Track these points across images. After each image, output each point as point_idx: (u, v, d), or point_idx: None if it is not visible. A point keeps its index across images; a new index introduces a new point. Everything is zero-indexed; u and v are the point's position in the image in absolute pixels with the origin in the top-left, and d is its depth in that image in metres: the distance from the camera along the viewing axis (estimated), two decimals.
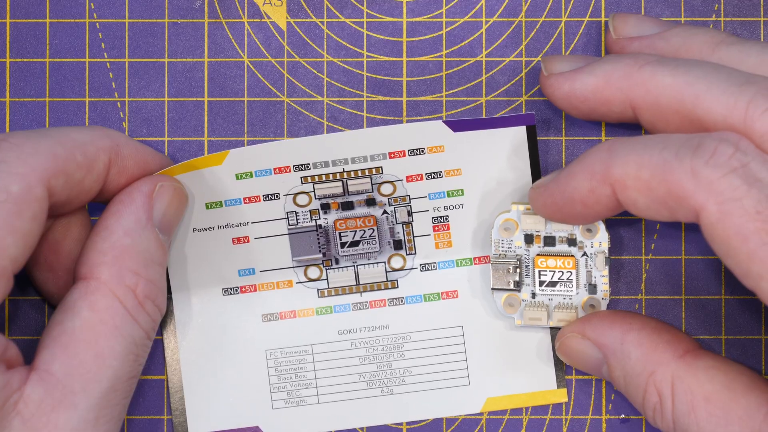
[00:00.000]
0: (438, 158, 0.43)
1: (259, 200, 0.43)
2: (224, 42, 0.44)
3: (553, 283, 0.42)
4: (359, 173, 0.43)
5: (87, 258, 0.40)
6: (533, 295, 0.42)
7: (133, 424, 0.44)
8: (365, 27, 0.44)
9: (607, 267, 0.42)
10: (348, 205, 0.43)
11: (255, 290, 0.43)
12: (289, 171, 0.43)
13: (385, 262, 0.43)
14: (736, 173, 0.35)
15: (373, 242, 0.43)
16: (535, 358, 0.43)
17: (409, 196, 0.43)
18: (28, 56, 0.44)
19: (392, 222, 0.43)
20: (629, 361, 0.39)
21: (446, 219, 0.43)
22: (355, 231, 0.43)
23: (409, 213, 0.43)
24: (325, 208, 0.43)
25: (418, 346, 0.43)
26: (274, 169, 0.43)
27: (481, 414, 0.43)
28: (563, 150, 0.44)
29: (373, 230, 0.43)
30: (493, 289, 0.42)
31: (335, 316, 0.43)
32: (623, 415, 0.43)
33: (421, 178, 0.43)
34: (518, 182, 0.43)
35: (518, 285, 0.42)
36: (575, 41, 0.44)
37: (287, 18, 0.44)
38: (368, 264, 0.43)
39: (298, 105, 0.44)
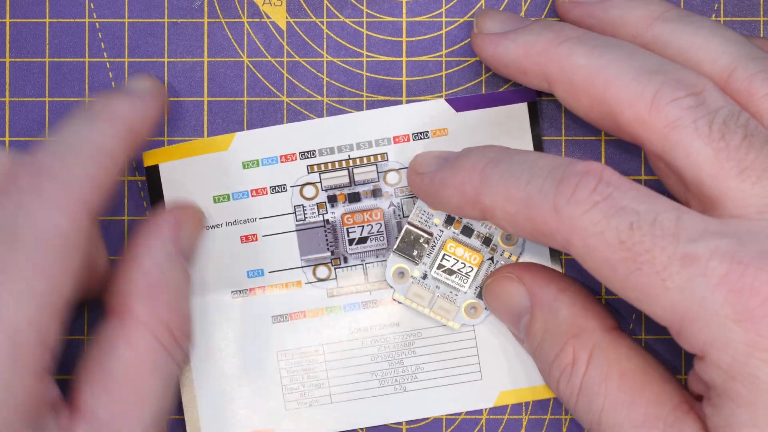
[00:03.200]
0: (442, 142, 0.43)
1: (267, 192, 0.43)
2: (224, 42, 0.44)
3: (450, 272, 0.42)
4: (365, 160, 0.43)
5: (120, 292, 0.39)
6: (424, 276, 0.42)
7: None
8: (365, 27, 0.44)
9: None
10: (355, 197, 0.43)
11: (264, 292, 0.43)
12: (295, 159, 0.43)
13: None
14: (597, 207, 0.35)
15: (381, 238, 0.43)
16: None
17: None
18: (27, 56, 0.44)
19: (399, 216, 0.43)
20: (555, 318, 0.39)
21: None
22: (363, 226, 0.43)
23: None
24: (332, 200, 0.43)
25: (430, 342, 0.43)
26: (281, 156, 0.43)
27: (481, 412, 0.43)
28: (563, 151, 0.44)
29: (381, 224, 0.43)
30: (393, 251, 0.42)
31: (345, 315, 0.43)
32: None
33: None
34: None
35: (419, 258, 0.42)
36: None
37: (287, 18, 0.44)
38: (377, 261, 0.43)
39: (297, 105, 0.44)
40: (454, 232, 0.42)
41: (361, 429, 0.44)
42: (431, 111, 0.43)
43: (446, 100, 0.43)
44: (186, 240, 0.41)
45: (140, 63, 0.44)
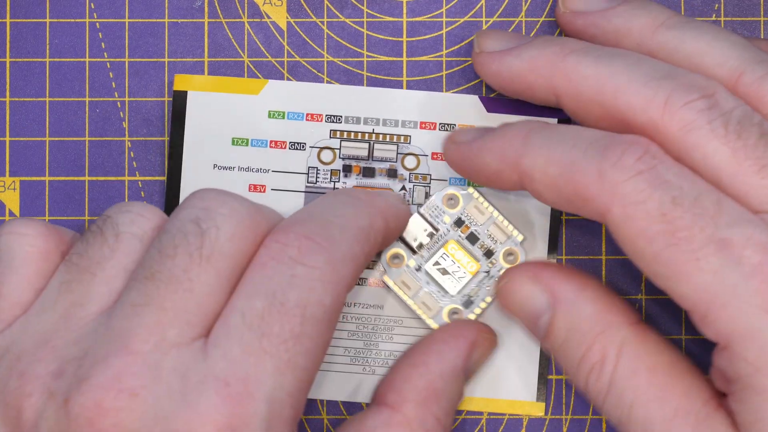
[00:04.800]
0: None
1: (285, 147, 0.43)
2: (224, 42, 0.44)
3: (443, 271, 0.42)
4: (387, 138, 0.43)
5: (397, 386, 0.39)
6: (418, 268, 0.42)
7: None
8: (365, 27, 0.44)
9: (494, 298, 0.42)
10: (369, 172, 0.43)
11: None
12: (321, 120, 0.43)
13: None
14: (642, 176, 0.36)
15: None
16: (519, 368, 0.43)
17: (430, 175, 0.43)
18: (28, 56, 0.44)
19: (408, 201, 0.43)
20: (580, 316, 0.39)
21: None
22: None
23: (427, 195, 0.43)
24: (347, 170, 0.43)
25: (409, 332, 0.43)
26: (307, 114, 0.43)
27: (481, 413, 0.43)
28: None
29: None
30: (399, 238, 0.42)
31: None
32: None
33: None
34: None
35: (419, 249, 0.42)
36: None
37: (287, 18, 0.44)
38: None
39: None
40: (459, 235, 0.42)
41: (327, 403, 0.44)
42: (462, 105, 0.43)
43: (480, 98, 0.43)
44: (475, 361, 0.41)
45: (140, 63, 0.44)
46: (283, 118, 0.43)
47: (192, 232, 0.36)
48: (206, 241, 0.36)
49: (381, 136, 0.43)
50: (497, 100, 0.43)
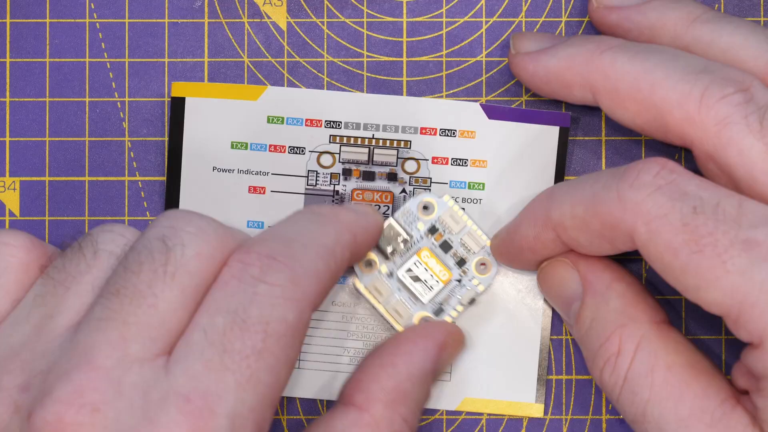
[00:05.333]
0: (467, 144, 0.43)
1: (285, 151, 0.43)
2: (224, 42, 0.44)
3: (416, 278, 0.42)
4: (388, 143, 0.43)
5: (365, 387, 0.39)
6: (390, 274, 0.42)
7: None
8: (365, 27, 0.44)
9: (465, 307, 0.42)
10: (369, 176, 0.43)
11: None
12: (320, 126, 0.43)
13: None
14: (661, 191, 0.36)
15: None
16: (519, 369, 0.43)
17: (430, 179, 0.43)
18: (28, 56, 0.44)
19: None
20: (606, 306, 0.39)
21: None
22: (371, 205, 0.43)
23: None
24: (347, 174, 0.43)
25: None
26: (306, 120, 0.43)
27: (481, 414, 0.43)
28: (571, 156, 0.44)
29: (388, 207, 0.43)
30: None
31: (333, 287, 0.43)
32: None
33: (447, 162, 0.43)
34: (538, 187, 0.42)
35: (392, 255, 0.42)
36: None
37: (287, 18, 0.44)
38: None
39: None
40: (433, 243, 0.42)
41: (327, 403, 0.44)
42: (464, 111, 0.43)
43: (481, 105, 0.43)
44: (445, 361, 0.41)
45: (140, 63, 0.44)
46: (282, 123, 0.43)
47: (158, 249, 0.36)
48: (171, 258, 0.36)
49: (381, 141, 0.43)
50: (499, 109, 0.43)
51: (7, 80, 0.44)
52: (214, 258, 0.36)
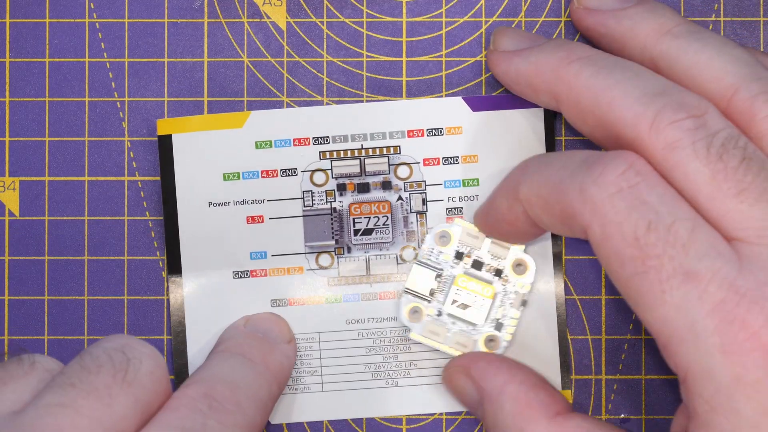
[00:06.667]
0: (456, 141, 0.43)
1: (277, 175, 0.43)
2: (224, 42, 0.44)
3: (464, 306, 0.42)
4: (377, 151, 0.43)
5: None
6: (439, 313, 0.42)
7: None
8: (365, 27, 0.44)
9: (521, 311, 0.42)
10: (364, 187, 0.43)
11: (266, 275, 0.43)
12: (308, 144, 0.43)
13: (397, 254, 0.43)
14: (621, 194, 0.36)
15: (386, 232, 0.43)
16: (540, 360, 0.43)
17: (424, 182, 0.43)
18: (28, 56, 0.44)
19: (407, 210, 0.43)
20: (502, 412, 0.40)
21: (460, 211, 0.43)
22: (369, 218, 0.43)
23: (424, 201, 0.43)
24: (341, 189, 0.43)
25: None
26: (294, 140, 0.43)
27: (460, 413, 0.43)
28: (563, 149, 0.44)
29: (387, 218, 0.43)
30: (405, 290, 0.42)
31: (344, 306, 0.43)
32: (623, 415, 0.43)
33: (438, 163, 0.43)
34: None
35: (432, 294, 0.42)
36: (575, 41, 0.44)
37: (287, 18, 0.44)
38: (380, 255, 0.43)
39: (298, 105, 0.44)
40: (464, 267, 0.42)
41: (354, 422, 0.44)
42: (447, 108, 0.43)
43: (463, 98, 0.43)
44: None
45: (140, 63, 0.44)
46: (271, 146, 0.43)
47: (117, 357, 0.35)
48: (131, 367, 0.35)
49: (371, 150, 0.43)
50: (481, 99, 0.43)
51: (7, 80, 0.44)
52: (163, 384, 0.36)
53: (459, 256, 0.43)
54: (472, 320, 0.42)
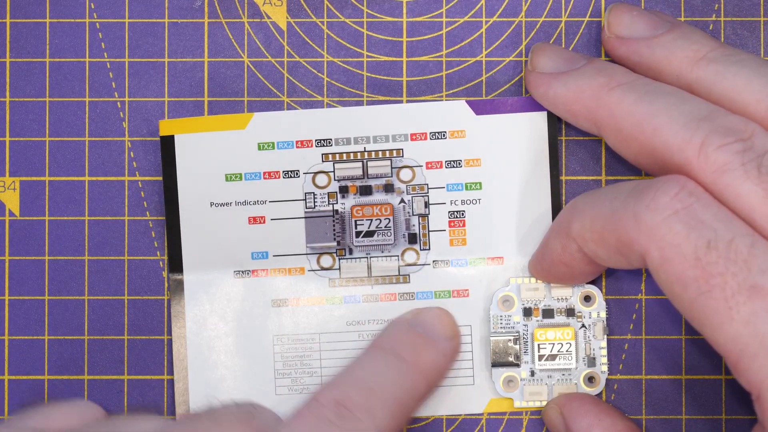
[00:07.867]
0: (459, 144, 0.43)
1: (279, 176, 0.43)
2: (224, 42, 0.44)
3: (552, 356, 0.42)
4: (380, 154, 0.43)
5: None
6: (532, 373, 0.42)
7: (135, 391, 0.44)
8: (365, 27, 0.44)
9: (605, 337, 0.42)
10: (366, 190, 0.43)
11: (267, 275, 0.43)
12: (311, 146, 0.43)
13: (398, 256, 0.43)
14: (677, 216, 0.36)
15: (389, 234, 0.43)
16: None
17: (427, 185, 0.43)
18: (28, 56, 0.44)
19: (409, 213, 0.43)
20: None
21: (462, 214, 0.43)
22: (371, 220, 0.43)
23: (426, 204, 0.43)
24: (344, 191, 0.43)
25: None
26: (296, 142, 0.43)
27: (481, 414, 0.43)
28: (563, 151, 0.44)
29: (389, 220, 0.43)
30: (493, 365, 0.42)
31: (345, 307, 0.43)
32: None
33: (441, 166, 0.43)
34: (535, 178, 0.43)
35: (518, 358, 0.42)
36: (575, 41, 0.44)
37: (287, 18, 0.44)
38: (381, 257, 0.43)
39: (298, 105, 0.44)
40: (536, 321, 0.43)
41: None
42: (451, 111, 0.43)
43: (467, 102, 0.43)
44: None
45: (140, 63, 0.44)
46: (273, 148, 0.43)
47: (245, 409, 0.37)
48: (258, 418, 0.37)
49: (373, 153, 0.43)
50: (484, 103, 0.43)
51: (7, 80, 0.44)
52: None
53: (527, 312, 0.43)
54: (565, 366, 0.42)
